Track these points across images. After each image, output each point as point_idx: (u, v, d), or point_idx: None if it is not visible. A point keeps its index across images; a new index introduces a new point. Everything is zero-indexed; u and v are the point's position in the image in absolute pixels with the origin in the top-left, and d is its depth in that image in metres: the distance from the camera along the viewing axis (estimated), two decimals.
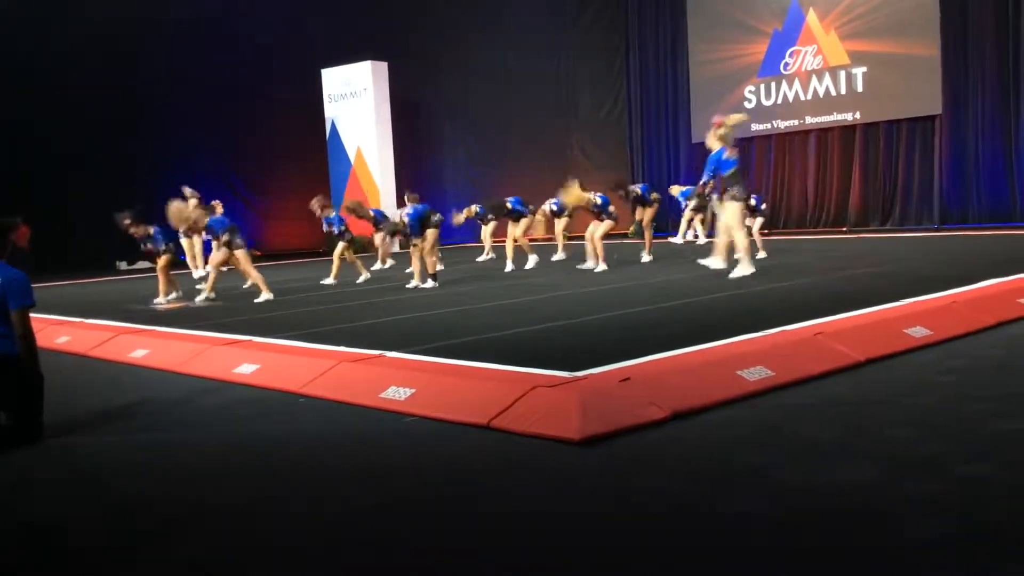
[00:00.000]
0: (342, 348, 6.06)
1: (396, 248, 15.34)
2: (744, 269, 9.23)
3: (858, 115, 18.03)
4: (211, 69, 20.39)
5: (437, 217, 10.59)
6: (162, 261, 10.79)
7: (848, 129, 18.27)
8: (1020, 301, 6.60)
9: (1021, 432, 3.68)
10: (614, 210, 11.80)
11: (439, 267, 12.96)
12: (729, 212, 9.31)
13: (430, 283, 10.35)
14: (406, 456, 3.94)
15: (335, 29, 21.89)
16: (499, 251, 14.48)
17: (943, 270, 8.98)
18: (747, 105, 19.57)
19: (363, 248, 12.75)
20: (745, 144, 19.90)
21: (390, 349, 5.84)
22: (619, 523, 2.97)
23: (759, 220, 12.56)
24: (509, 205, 13.56)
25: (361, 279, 11.85)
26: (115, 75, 19.24)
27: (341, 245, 12.18)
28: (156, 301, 10.64)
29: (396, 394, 4.78)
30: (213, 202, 12.71)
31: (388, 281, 11.79)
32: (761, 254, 12.23)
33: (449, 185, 22.86)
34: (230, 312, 9.17)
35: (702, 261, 10.12)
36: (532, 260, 12.72)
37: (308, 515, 3.25)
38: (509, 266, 12.60)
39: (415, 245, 10.35)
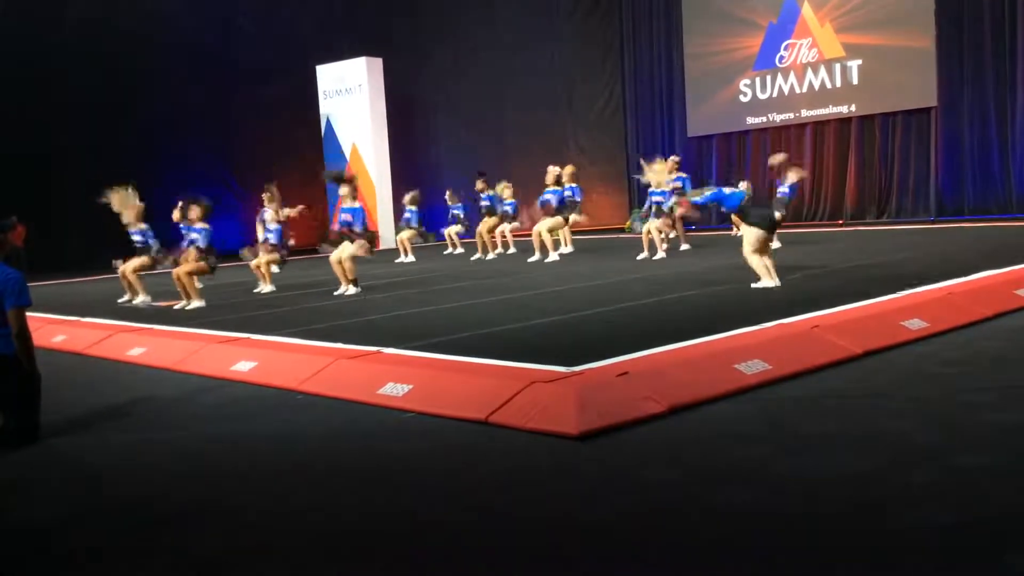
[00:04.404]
0: (339, 344, 6.06)
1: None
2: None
3: (854, 108, 18.02)
4: (205, 66, 20.34)
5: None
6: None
7: (844, 122, 18.26)
8: (1017, 293, 6.61)
9: (1018, 423, 3.69)
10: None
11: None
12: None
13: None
14: (404, 452, 3.94)
15: (329, 25, 21.85)
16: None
17: (940, 262, 8.98)
18: (742, 99, 19.58)
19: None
20: (741, 138, 19.95)
21: (387, 345, 5.83)
22: (618, 517, 2.97)
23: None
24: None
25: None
26: (107, 72, 19.17)
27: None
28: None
29: (394, 390, 4.78)
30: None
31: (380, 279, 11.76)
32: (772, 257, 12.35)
33: (446, 181, 22.80)
34: (227, 310, 9.16)
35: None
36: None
37: (307, 513, 3.24)
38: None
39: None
